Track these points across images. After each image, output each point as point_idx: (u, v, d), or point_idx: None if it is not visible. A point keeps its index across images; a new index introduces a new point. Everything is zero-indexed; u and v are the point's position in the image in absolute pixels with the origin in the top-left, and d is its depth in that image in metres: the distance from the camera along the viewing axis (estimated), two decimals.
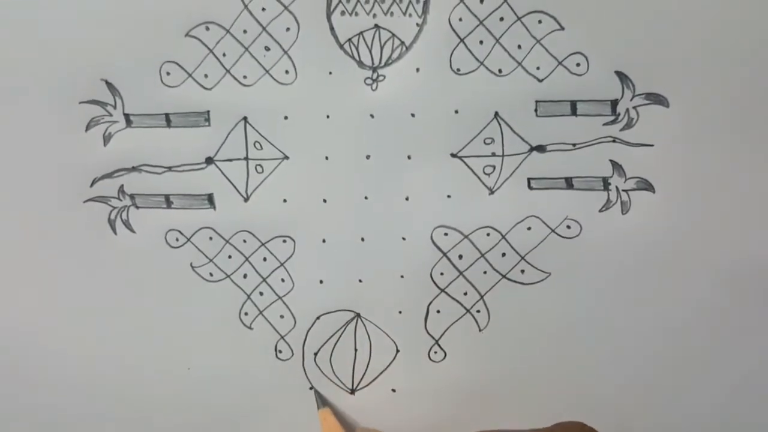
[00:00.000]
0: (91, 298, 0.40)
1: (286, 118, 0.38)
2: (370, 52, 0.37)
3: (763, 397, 0.39)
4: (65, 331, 0.40)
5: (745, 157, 0.36)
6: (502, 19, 0.36)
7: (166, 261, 0.39)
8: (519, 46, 0.36)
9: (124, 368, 0.41)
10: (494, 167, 0.38)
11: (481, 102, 0.37)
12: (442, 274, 0.39)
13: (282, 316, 0.40)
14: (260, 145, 0.38)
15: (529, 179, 0.38)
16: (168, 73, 0.37)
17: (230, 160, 0.38)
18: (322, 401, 0.40)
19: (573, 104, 0.37)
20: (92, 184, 0.39)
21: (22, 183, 0.39)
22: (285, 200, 0.39)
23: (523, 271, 0.39)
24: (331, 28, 0.37)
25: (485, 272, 0.39)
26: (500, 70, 0.37)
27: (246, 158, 0.38)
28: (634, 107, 0.36)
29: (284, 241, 0.39)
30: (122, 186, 0.39)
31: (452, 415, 0.40)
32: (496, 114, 0.37)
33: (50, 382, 0.41)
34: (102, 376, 0.41)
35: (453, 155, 0.38)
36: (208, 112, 0.38)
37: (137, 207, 0.39)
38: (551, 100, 0.37)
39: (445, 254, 0.39)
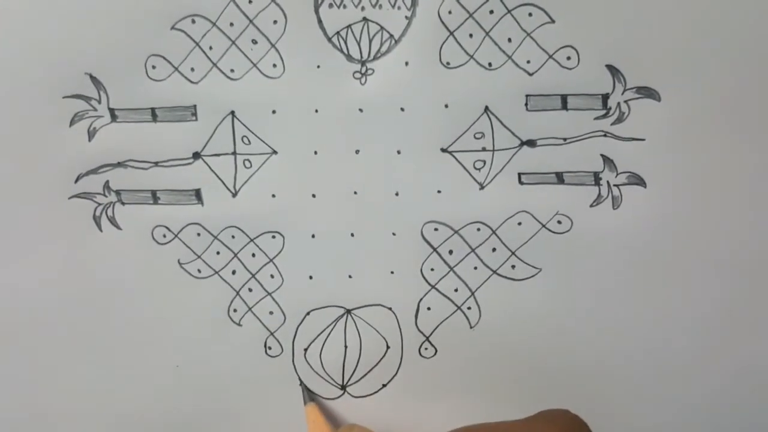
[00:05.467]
0: (76, 296, 0.39)
1: (274, 112, 0.37)
2: (359, 45, 0.36)
3: (759, 394, 0.39)
4: (48, 331, 0.40)
5: (737, 151, 0.36)
6: (491, 11, 0.36)
7: (152, 258, 0.39)
8: (509, 40, 0.36)
9: (111, 367, 0.40)
10: (484, 162, 0.38)
11: (471, 96, 0.37)
12: (432, 269, 0.39)
13: (271, 313, 0.40)
14: (248, 140, 0.38)
15: (519, 174, 0.38)
16: (154, 67, 0.37)
17: (218, 155, 0.38)
18: (310, 396, 0.40)
19: (564, 98, 0.36)
20: (77, 180, 0.38)
21: (3, 179, 0.38)
22: (273, 195, 0.38)
23: (513, 267, 0.39)
24: (319, 21, 0.36)
25: (476, 268, 0.39)
26: (490, 64, 0.36)
27: (234, 153, 0.38)
28: (626, 101, 0.36)
29: (273, 237, 0.39)
30: (108, 182, 0.38)
31: (443, 411, 0.40)
32: (487, 108, 0.37)
33: (34, 382, 0.40)
34: (88, 375, 0.40)
35: (443, 150, 0.37)
36: (195, 106, 0.37)
37: (123, 203, 0.38)
38: (542, 94, 0.36)
39: (435, 249, 0.39)
